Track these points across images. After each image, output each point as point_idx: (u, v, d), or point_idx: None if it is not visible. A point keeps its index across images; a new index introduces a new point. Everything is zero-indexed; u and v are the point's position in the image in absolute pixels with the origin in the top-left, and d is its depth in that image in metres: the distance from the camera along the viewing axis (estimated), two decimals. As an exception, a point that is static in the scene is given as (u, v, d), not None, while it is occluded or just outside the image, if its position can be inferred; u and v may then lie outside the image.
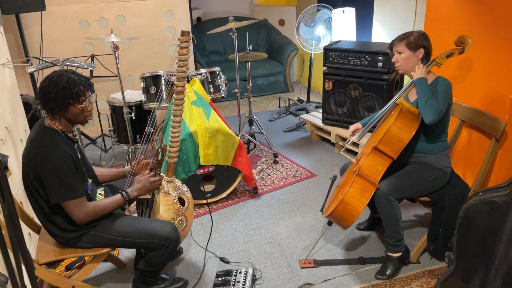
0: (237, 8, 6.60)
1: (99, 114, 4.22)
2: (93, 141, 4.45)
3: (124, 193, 2.16)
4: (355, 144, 3.72)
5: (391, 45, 2.49)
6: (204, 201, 3.31)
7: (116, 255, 2.75)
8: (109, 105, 3.71)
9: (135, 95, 3.76)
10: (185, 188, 2.51)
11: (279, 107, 5.42)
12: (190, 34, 2.18)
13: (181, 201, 2.41)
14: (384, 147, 2.39)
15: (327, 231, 2.92)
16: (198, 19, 6.35)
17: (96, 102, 4.18)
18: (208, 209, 3.31)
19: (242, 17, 6.26)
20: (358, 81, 3.87)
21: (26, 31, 4.13)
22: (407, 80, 3.92)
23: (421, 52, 2.40)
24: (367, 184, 2.39)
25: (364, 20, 4.59)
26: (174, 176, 2.47)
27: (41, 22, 3.72)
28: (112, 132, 3.77)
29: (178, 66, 2.23)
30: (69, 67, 2.84)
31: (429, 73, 2.45)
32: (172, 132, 2.36)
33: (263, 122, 4.95)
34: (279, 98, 5.54)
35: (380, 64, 3.75)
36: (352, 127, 2.82)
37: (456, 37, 2.40)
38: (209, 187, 3.35)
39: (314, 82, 5.87)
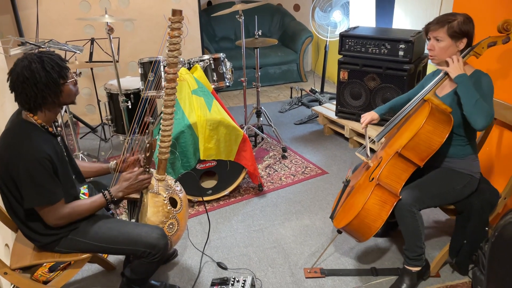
0: (250, -8, 6.26)
1: (98, 101, 3.99)
2: (93, 130, 4.23)
3: (106, 193, 1.91)
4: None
5: (427, 29, 2.12)
6: (205, 198, 3.06)
7: (105, 257, 2.52)
8: (106, 93, 3.46)
9: (134, 82, 3.51)
10: (178, 187, 2.26)
11: (291, 97, 5.12)
12: (183, 14, 1.90)
13: (173, 202, 2.16)
14: (410, 153, 2.08)
15: (337, 238, 2.65)
16: (209, 3, 6.06)
17: (95, 87, 3.95)
18: (209, 207, 3.06)
19: (255, 1, 5.94)
20: (376, 71, 3.54)
21: (23, 12, 3.91)
22: (430, 70, 3.57)
23: (463, 42, 2.06)
24: (388, 195, 2.10)
25: (385, 4, 4.22)
26: (166, 173, 2.21)
27: (37, 1, 3.48)
28: (110, 121, 3.54)
29: (169, 50, 1.96)
30: (55, 49, 2.60)
31: (465, 65, 2.11)
32: (163, 125, 2.10)
33: (273, 114, 4.67)
34: (291, 88, 5.23)
35: (401, 53, 3.41)
36: (367, 117, 2.45)
37: (500, 22, 2.05)
38: (210, 183, 3.10)
39: (329, 72, 5.54)
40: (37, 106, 1.77)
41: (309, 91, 4.66)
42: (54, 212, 1.79)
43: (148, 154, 2.04)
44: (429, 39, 2.14)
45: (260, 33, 3.53)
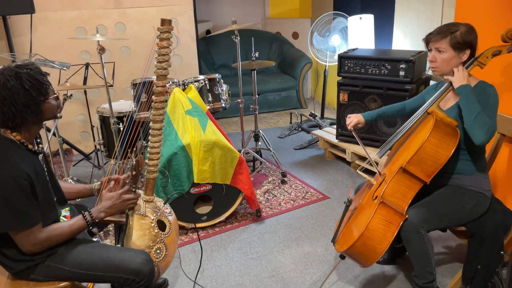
0: (248, 21, 6.29)
1: (92, 127, 3.88)
2: (86, 157, 4.10)
3: (86, 214, 1.76)
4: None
5: (428, 39, 2.02)
6: (199, 225, 2.89)
7: (90, 286, 2.33)
8: (99, 116, 3.36)
9: (127, 105, 3.41)
10: (167, 209, 2.10)
11: (290, 123, 5.02)
12: (172, 24, 1.81)
13: (161, 225, 2.00)
14: (415, 169, 1.93)
15: (339, 265, 2.46)
16: (207, 32, 6.06)
17: (89, 113, 3.85)
18: (204, 234, 2.88)
19: (254, 30, 5.94)
20: (377, 92, 3.44)
21: (18, 39, 3.87)
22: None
23: (466, 53, 1.95)
24: (393, 214, 1.93)
25: (384, 27, 4.19)
26: (154, 194, 2.06)
27: (31, 25, 3.44)
28: (102, 146, 3.41)
29: (157, 62, 1.86)
30: (41, 65, 2.50)
31: (470, 76, 2.00)
32: (151, 142, 1.97)
33: (273, 139, 4.54)
34: (291, 114, 5.14)
35: (402, 73, 3.32)
36: (353, 119, 2.31)
37: (504, 31, 1.95)
38: (205, 209, 2.94)
39: (329, 98, 5.46)
40: (16, 126, 1.64)
41: (309, 115, 4.56)
42: (29, 237, 1.63)
43: (134, 173, 1.90)
44: (430, 50, 2.03)
45: (257, 55, 3.46)
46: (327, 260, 2.58)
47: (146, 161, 1.99)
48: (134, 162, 1.88)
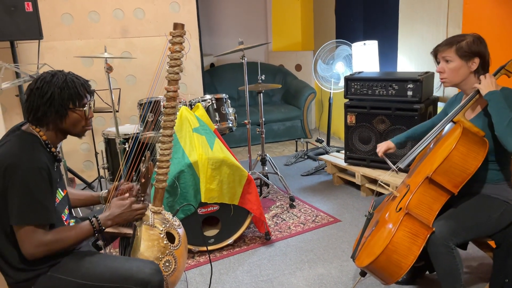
0: (252, 55, 6.37)
1: (96, 154, 3.82)
2: (89, 185, 4.01)
3: (94, 220, 1.67)
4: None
5: (436, 51, 2.01)
6: (205, 248, 2.76)
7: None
8: (104, 139, 3.31)
9: (132, 128, 3.37)
10: (176, 222, 2.00)
11: (296, 151, 4.96)
12: (184, 28, 1.80)
13: (170, 238, 1.90)
14: (442, 179, 1.85)
15: (358, 285, 2.33)
16: (211, 65, 6.14)
17: (94, 140, 3.80)
18: (211, 258, 2.75)
19: (257, 62, 6.01)
20: (385, 112, 3.41)
21: (26, 67, 3.88)
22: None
23: (475, 62, 1.92)
24: (419, 226, 1.83)
25: (388, 53, 4.22)
26: (163, 206, 1.97)
27: (38, 52, 3.47)
28: (106, 170, 3.34)
29: (169, 66, 1.83)
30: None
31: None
32: (161, 149, 1.91)
33: (279, 167, 4.44)
34: (296, 142, 5.10)
35: (410, 93, 3.30)
36: (383, 146, 2.28)
37: None
38: (212, 232, 2.82)
39: (334, 127, 5.43)
40: (36, 120, 1.63)
41: (315, 140, 4.51)
42: (34, 236, 1.54)
43: (144, 181, 1.82)
44: (438, 63, 2.02)
45: (263, 77, 3.46)
46: (343, 281, 2.44)
47: (156, 169, 1.92)
48: (144, 169, 1.81)
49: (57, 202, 1.67)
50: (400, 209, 1.89)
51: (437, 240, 1.81)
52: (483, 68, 1.96)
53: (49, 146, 1.65)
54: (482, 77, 1.93)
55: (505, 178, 1.98)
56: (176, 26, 1.80)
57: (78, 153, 4.26)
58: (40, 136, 1.63)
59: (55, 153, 1.68)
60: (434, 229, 1.83)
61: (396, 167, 2.10)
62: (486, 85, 1.89)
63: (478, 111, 1.99)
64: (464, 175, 1.83)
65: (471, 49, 1.92)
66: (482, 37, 1.97)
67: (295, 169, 4.43)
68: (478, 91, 1.93)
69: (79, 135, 1.75)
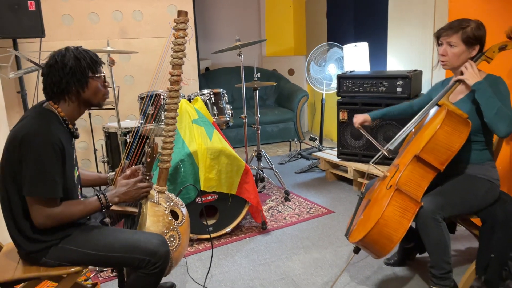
0: (245, 60, 6.49)
1: (95, 150, 3.89)
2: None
3: (101, 196, 1.76)
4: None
5: (439, 34, 2.09)
6: (205, 236, 2.85)
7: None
8: (104, 133, 3.40)
9: (133, 123, 3.47)
10: (180, 202, 2.10)
11: (290, 150, 5.08)
12: (188, 15, 1.92)
13: (174, 215, 1.99)
14: (429, 156, 1.98)
15: (350, 265, 2.43)
16: (206, 69, 6.27)
17: (92, 135, 3.88)
18: (209, 245, 2.84)
19: (251, 67, 6.15)
20: (376, 108, 3.53)
21: (26, 65, 3.97)
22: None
23: (475, 49, 2.05)
24: (408, 201, 1.95)
25: (378, 54, 4.39)
26: (166, 186, 2.07)
27: (40, 49, 3.56)
28: (106, 163, 3.42)
29: (173, 51, 1.94)
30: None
31: (479, 71, 2.07)
32: (165, 131, 2.01)
33: (273, 165, 4.57)
34: (290, 142, 5.22)
35: (399, 90, 3.45)
36: (360, 117, 2.46)
37: (507, 28, 2.06)
38: (210, 221, 2.91)
39: (326, 130, 5.57)
40: (60, 93, 1.70)
41: (309, 139, 4.64)
42: (46, 207, 1.62)
43: (149, 160, 1.92)
44: (440, 45, 2.10)
45: (259, 75, 3.59)
46: (337, 264, 2.54)
47: (160, 150, 2.02)
48: (149, 149, 1.91)
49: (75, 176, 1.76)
50: (391, 186, 2.01)
51: (426, 214, 1.93)
52: (477, 54, 2.07)
53: (67, 122, 1.73)
54: (463, 68, 2.04)
55: (489, 158, 2.11)
56: (180, 13, 1.93)
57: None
58: (58, 112, 1.70)
59: (72, 130, 1.76)
60: (422, 203, 1.95)
61: (385, 149, 2.22)
62: (471, 75, 2.00)
63: (462, 96, 2.12)
64: (449, 153, 1.96)
65: (475, 35, 2.02)
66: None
67: (289, 167, 4.54)
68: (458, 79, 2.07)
69: (100, 104, 1.81)
